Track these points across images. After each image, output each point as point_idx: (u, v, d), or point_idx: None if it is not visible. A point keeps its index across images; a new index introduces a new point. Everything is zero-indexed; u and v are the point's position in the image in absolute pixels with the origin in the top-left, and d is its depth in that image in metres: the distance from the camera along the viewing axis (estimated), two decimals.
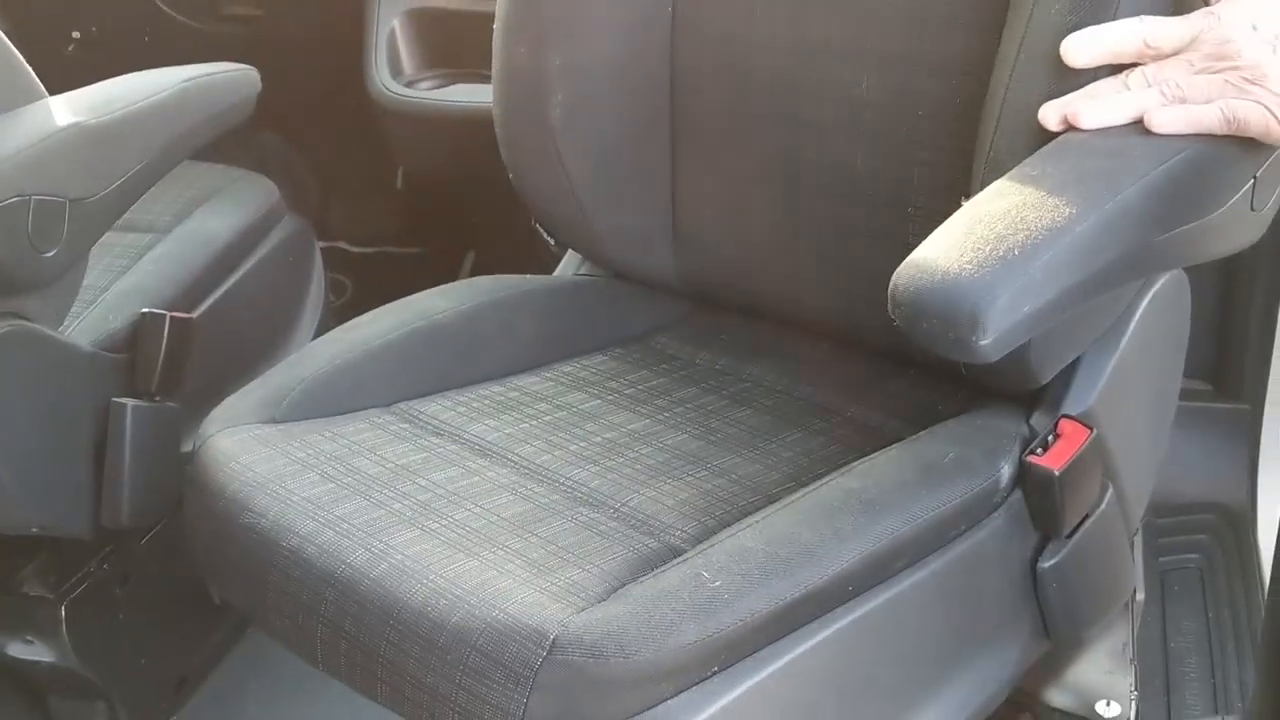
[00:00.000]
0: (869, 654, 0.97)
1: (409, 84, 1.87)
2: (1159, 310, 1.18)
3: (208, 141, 1.48)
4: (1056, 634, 1.12)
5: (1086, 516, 1.09)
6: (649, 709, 0.85)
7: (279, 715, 1.62)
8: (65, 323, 1.41)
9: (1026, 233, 0.84)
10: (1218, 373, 1.87)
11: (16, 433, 1.29)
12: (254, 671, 1.69)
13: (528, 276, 1.43)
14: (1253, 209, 1.02)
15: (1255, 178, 1.00)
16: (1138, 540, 1.46)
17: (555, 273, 1.51)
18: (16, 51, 1.29)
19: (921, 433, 1.10)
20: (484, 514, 1.03)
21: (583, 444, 1.16)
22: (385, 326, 1.28)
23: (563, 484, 1.09)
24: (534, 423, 1.20)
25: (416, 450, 1.13)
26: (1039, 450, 1.04)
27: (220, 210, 1.69)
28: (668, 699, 0.86)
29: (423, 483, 1.08)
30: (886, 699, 1.00)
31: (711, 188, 1.35)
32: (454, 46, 1.89)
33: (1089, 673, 1.23)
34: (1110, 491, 1.12)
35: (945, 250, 0.84)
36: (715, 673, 0.87)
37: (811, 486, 1.01)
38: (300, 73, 2.05)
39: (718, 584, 0.87)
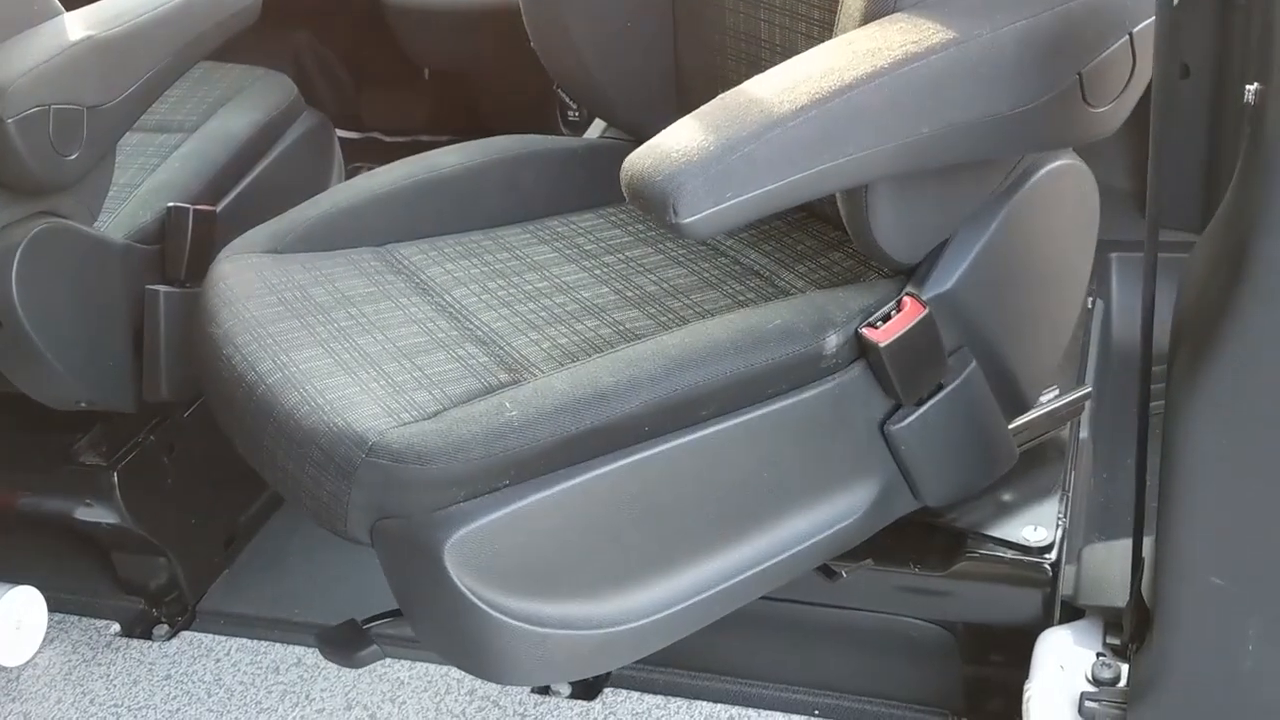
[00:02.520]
0: (673, 487, 1.11)
1: None
2: (1042, 197, 1.21)
3: (218, 45, 1.59)
4: (924, 494, 1.24)
5: (941, 387, 1.18)
6: (444, 508, 1.03)
7: (317, 568, 1.78)
8: (101, 219, 1.56)
9: (740, 123, 0.95)
10: (1206, 222, 1.92)
11: (59, 319, 1.45)
12: (294, 531, 1.85)
13: (544, 137, 1.50)
14: (1088, 103, 1.09)
15: (1080, 74, 1.07)
16: (1088, 375, 1.54)
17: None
18: None
19: (774, 301, 1.21)
20: (384, 342, 1.21)
21: (512, 291, 1.30)
22: (394, 176, 1.42)
23: (468, 324, 1.24)
24: (484, 269, 1.34)
25: (368, 285, 1.30)
26: (878, 324, 1.13)
27: (242, 108, 1.81)
28: (460, 501, 1.03)
29: (353, 312, 1.25)
30: (699, 526, 1.13)
31: (700, 60, 1.44)
32: None
33: (1021, 502, 1.33)
34: (972, 367, 1.20)
35: (674, 134, 0.97)
36: (505, 485, 1.04)
37: (646, 339, 1.14)
38: None
39: (513, 413, 1.04)
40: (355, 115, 2.38)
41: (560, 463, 1.05)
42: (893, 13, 1.06)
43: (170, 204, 1.58)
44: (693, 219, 0.94)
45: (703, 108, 1.00)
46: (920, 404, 1.18)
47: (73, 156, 1.38)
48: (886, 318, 1.14)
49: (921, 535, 1.32)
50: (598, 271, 1.34)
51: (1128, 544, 1.19)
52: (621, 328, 1.23)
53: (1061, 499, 1.34)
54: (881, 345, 1.12)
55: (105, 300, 1.52)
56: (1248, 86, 0.94)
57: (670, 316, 1.25)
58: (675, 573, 1.12)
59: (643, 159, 0.97)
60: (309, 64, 2.34)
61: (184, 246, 1.56)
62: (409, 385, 1.14)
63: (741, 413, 1.11)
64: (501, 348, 1.21)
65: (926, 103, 1.02)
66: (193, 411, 1.71)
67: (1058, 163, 1.20)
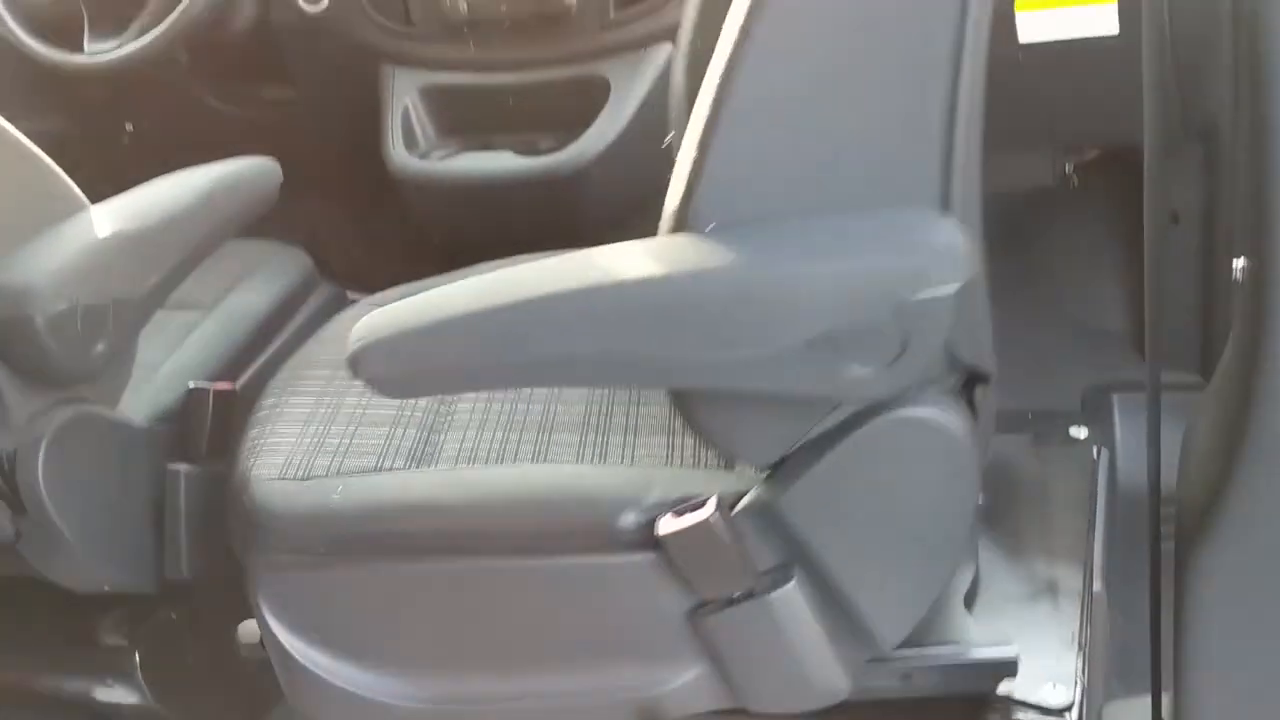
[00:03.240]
0: (462, 604, 1.23)
1: (424, 155, 2.02)
2: (882, 443, 1.11)
3: (240, 229, 1.65)
4: (740, 695, 1.21)
5: (753, 593, 1.13)
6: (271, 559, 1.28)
7: None
8: (123, 399, 1.59)
9: (438, 308, 1.04)
10: (1205, 363, 1.96)
11: (84, 505, 1.47)
12: None
13: None
14: (849, 363, 1.03)
15: (831, 333, 1.01)
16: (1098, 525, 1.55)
17: None
18: (59, 170, 1.47)
19: (619, 464, 1.24)
20: (358, 406, 1.38)
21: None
22: None
23: (443, 404, 1.36)
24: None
25: None
26: (682, 514, 1.11)
27: (259, 285, 1.86)
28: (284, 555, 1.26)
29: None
30: (486, 644, 1.24)
31: None
32: (463, 118, 2.04)
33: (1039, 659, 1.34)
34: (789, 586, 1.13)
35: (395, 306, 1.07)
36: (321, 553, 1.23)
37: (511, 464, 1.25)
38: (334, 145, 2.23)
39: (337, 497, 1.24)
40: (368, 282, 2.43)
41: (366, 551, 1.22)
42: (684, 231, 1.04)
43: (191, 384, 1.62)
44: (377, 385, 1.08)
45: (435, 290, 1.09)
46: (730, 603, 1.14)
47: (100, 348, 1.42)
48: (682, 512, 1.12)
49: (941, 701, 1.32)
50: (595, 392, 1.35)
51: (1147, 700, 1.20)
52: (528, 447, 1.28)
53: (1079, 654, 1.35)
54: (660, 535, 1.12)
55: (127, 482, 1.54)
56: (1236, 262, 0.97)
57: (571, 450, 1.27)
58: (463, 676, 1.26)
59: (364, 321, 1.07)
60: (319, 234, 2.41)
61: (204, 426, 1.59)
62: (328, 448, 1.31)
63: (529, 558, 1.18)
64: (436, 434, 1.30)
65: (622, 326, 1.03)
66: (214, 587, 1.72)
67: (906, 412, 1.10)
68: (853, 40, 0.99)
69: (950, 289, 1.00)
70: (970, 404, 1.13)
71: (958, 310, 1.01)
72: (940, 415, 1.11)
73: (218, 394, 1.60)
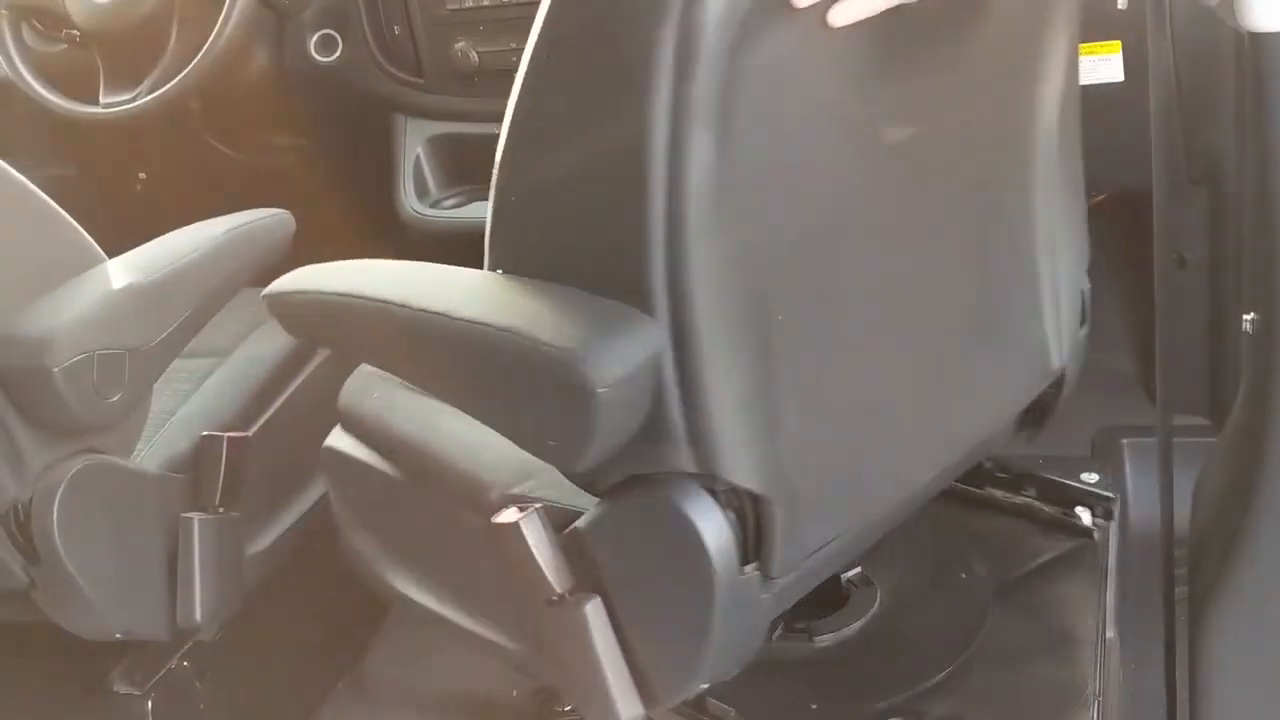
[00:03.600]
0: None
1: (434, 204, 2.04)
2: (630, 515, 1.11)
3: (253, 277, 1.66)
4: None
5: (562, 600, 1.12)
6: None
7: None
8: (137, 448, 1.60)
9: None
10: (1214, 407, 1.96)
11: (98, 552, 1.48)
12: None
13: None
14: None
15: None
16: (1110, 572, 1.56)
17: None
18: (74, 222, 1.48)
19: None
20: None
21: None
22: None
23: None
24: None
25: None
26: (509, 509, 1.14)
27: (271, 333, 1.87)
28: None
29: None
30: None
31: None
32: (473, 166, 2.06)
33: (1052, 710, 1.33)
34: (589, 607, 1.12)
35: None
36: None
37: None
38: (346, 193, 2.24)
39: None
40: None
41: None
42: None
43: (204, 433, 1.62)
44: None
45: None
46: (549, 603, 1.14)
47: (115, 398, 1.43)
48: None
49: None
50: None
51: None
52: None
53: (1094, 704, 1.34)
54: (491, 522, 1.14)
55: (141, 531, 1.55)
56: (1245, 316, 0.98)
57: None
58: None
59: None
60: None
61: (218, 474, 1.60)
62: None
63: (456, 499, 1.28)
64: None
65: (404, 341, 1.16)
66: (223, 634, 1.73)
67: (658, 493, 1.07)
68: (577, 126, 1.00)
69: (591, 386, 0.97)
70: (747, 519, 1.08)
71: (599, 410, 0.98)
72: (687, 512, 1.05)
73: (231, 442, 1.61)
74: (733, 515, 1.07)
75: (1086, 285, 1.34)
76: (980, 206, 1.20)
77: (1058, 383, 1.33)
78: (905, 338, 1.15)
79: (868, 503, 1.20)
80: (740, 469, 1.02)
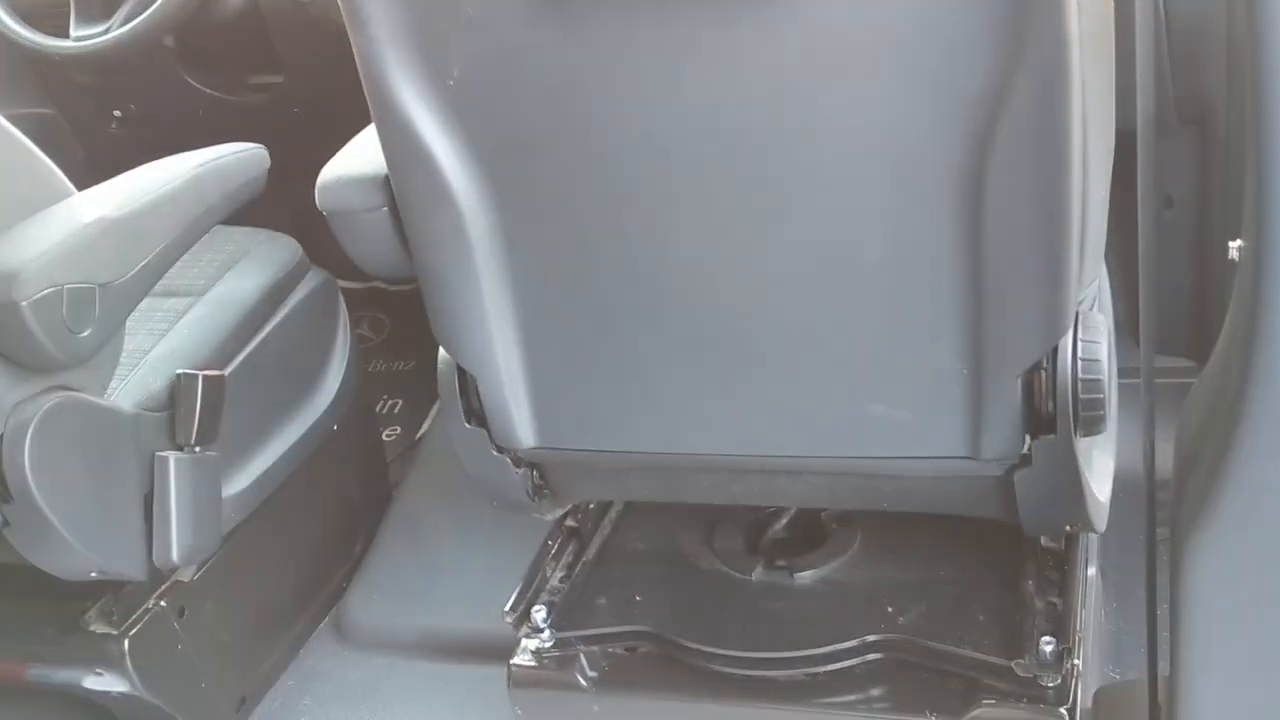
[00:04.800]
0: None
1: None
2: None
3: (227, 214, 1.64)
4: None
5: None
6: None
7: None
8: (111, 386, 1.58)
9: None
10: (1198, 349, 1.95)
11: (72, 490, 1.46)
12: (306, 689, 1.85)
13: None
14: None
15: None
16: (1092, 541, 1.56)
17: None
18: (44, 156, 1.45)
19: None
20: None
21: None
22: None
23: None
24: None
25: None
26: None
27: (248, 271, 1.85)
28: None
29: None
30: None
31: None
32: None
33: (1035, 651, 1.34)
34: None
35: None
36: None
37: None
38: (325, 129, 2.21)
39: None
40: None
41: None
42: None
43: (179, 370, 1.60)
44: None
45: None
46: None
47: (86, 334, 1.40)
48: None
49: (935, 683, 1.32)
50: None
51: (1143, 684, 1.19)
52: None
53: (1075, 642, 1.34)
54: None
55: (116, 469, 1.53)
56: (1232, 243, 0.96)
57: None
58: None
59: None
60: (310, 218, 2.39)
61: (193, 413, 1.58)
62: None
63: None
64: None
65: None
66: (201, 574, 1.72)
67: None
68: None
69: None
70: None
71: None
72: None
73: (207, 380, 1.59)
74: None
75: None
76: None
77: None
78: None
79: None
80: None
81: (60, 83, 2.29)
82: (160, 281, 1.63)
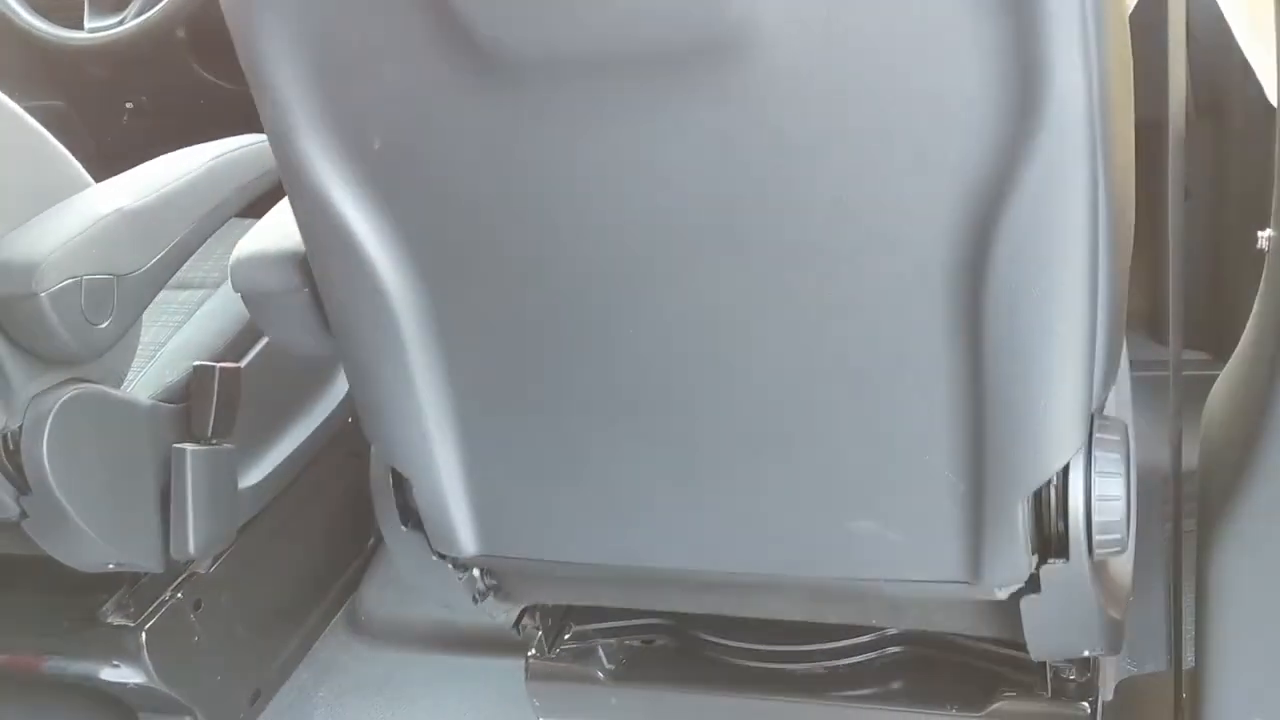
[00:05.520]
0: None
1: None
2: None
3: (243, 206, 1.63)
4: None
5: None
6: None
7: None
8: (128, 379, 1.58)
9: None
10: (1215, 342, 1.95)
11: (89, 482, 1.46)
12: (321, 681, 1.85)
13: None
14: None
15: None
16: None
17: None
18: (63, 148, 1.45)
19: None
20: None
21: None
22: None
23: None
24: None
25: None
26: None
27: None
28: None
29: None
30: None
31: None
32: None
33: None
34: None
35: None
36: None
37: None
38: None
39: None
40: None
41: None
42: None
43: (196, 363, 1.60)
44: None
45: None
46: None
47: (104, 325, 1.40)
48: None
49: (956, 676, 1.32)
50: None
51: (1164, 678, 1.19)
52: None
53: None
54: None
55: (132, 461, 1.53)
56: (1261, 233, 0.96)
57: None
58: None
59: None
60: None
61: (210, 405, 1.58)
62: None
63: None
64: None
65: None
66: (218, 566, 1.72)
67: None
68: None
69: None
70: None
71: None
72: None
73: (223, 372, 1.59)
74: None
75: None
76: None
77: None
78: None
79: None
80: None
81: (72, 75, 2.28)
82: (176, 274, 1.64)
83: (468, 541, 1.19)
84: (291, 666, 1.87)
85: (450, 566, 1.25)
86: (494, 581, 1.32)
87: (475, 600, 1.30)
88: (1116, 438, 1.04)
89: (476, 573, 1.29)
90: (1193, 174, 1.98)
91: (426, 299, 1.05)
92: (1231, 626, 1.01)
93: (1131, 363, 1.98)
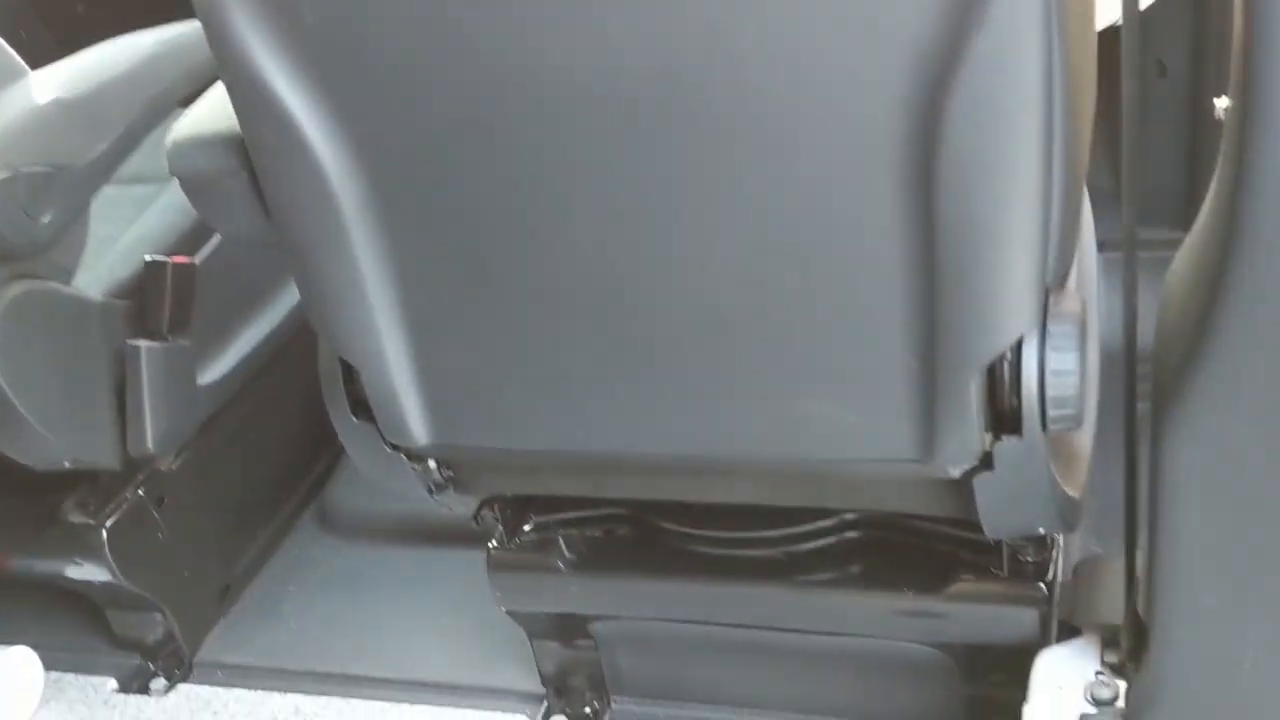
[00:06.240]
0: None
1: None
2: None
3: (189, 94, 1.59)
4: None
5: None
6: None
7: (313, 615, 1.78)
8: (79, 275, 1.55)
9: None
10: (1188, 219, 1.92)
11: (41, 380, 1.44)
12: (289, 578, 1.85)
13: None
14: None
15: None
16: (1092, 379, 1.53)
17: None
18: None
19: None
20: None
21: None
22: None
23: None
24: None
25: None
26: None
27: None
28: None
29: None
30: None
31: None
32: None
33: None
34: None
35: None
36: None
37: None
38: None
39: None
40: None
41: None
42: None
43: (148, 257, 1.57)
44: None
45: None
46: None
47: (46, 219, 1.37)
48: None
49: (914, 559, 1.32)
50: None
51: (1122, 557, 1.18)
52: None
53: None
54: None
55: (86, 358, 1.51)
56: (1217, 101, 0.93)
57: None
58: None
59: None
60: None
61: (164, 300, 1.56)
62: None
63: None
64: None
65: None
66: (181, 463, 1.71)
67: None
68: None
69: None
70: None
71: None
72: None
73: (177, 267, 1.56)
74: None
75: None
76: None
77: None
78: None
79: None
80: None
81: None
82: (128, 167, 1.60)
83: (419, 431, 1.17)
84: (261, 562, 1.87)
85: (405, 458, 1.23)
86: (450, 473, 1.30)
87: (430, 492, 1.29)
88: (1073, 311, 1.02)
89: (432, 464, 1.27)
90: (1170, 51, 1.93)
91: (367, 181, 1.02)
92: (1184, 506, 1.00)
93: (1103, 243, 1.97)
